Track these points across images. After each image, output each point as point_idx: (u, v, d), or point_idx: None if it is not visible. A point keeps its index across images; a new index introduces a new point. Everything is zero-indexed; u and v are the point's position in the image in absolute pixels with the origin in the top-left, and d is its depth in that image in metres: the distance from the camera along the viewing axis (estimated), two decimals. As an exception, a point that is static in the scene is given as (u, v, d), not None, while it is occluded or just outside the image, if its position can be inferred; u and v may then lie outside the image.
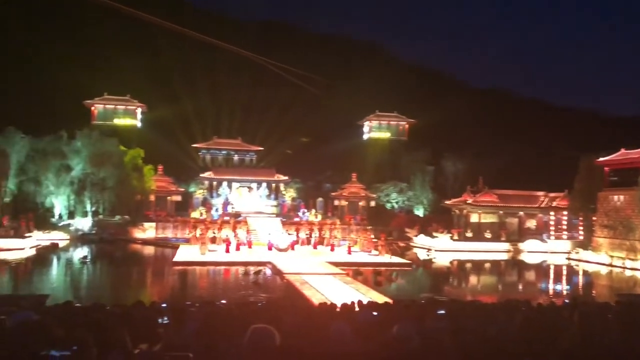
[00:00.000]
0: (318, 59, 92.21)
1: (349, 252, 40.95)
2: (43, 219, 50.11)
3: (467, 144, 71.91)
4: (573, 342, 5.61)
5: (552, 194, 54.12)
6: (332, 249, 42.76)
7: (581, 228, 51.08)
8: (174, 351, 5.28)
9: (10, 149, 49.51)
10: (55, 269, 36.10)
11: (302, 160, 72.32)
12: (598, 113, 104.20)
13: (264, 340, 3.74)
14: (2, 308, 10.17)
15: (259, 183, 64.27)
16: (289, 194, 64.65)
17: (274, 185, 64.53)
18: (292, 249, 42.15)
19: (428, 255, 45.67)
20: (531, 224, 54.65)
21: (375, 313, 10.04)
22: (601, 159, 45.95)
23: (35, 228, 46.43)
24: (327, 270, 31.56)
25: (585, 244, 47.14)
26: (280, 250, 41.22)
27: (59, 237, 48.44)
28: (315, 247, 43.92)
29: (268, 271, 32.74)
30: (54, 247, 44.12)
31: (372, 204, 64.29)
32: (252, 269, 31.85)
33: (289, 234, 44.88)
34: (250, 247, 42.95)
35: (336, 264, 34.07)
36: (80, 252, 41.54)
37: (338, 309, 10.77)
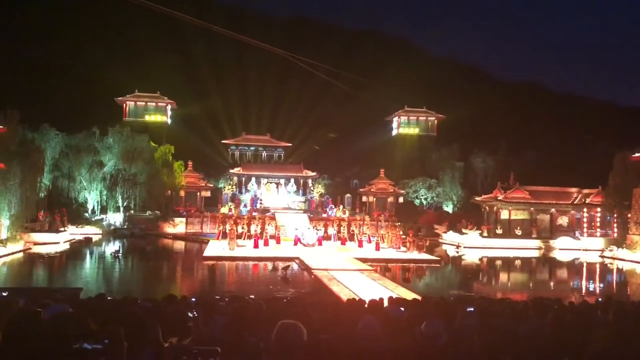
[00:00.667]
0: (347, 54, 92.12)
1: (377, 249, 40.86)
2: (76, 214, 51.24)
3: (498, 139, 70.95)
4: (607, 343, 5.49)
5: (585, 190, 52.98)
6: (360, 245, 42.73)
7: (615, 225, 49.99)
8: (203, 345, 5.34)
9: (45, 145, 50.71)
10: (88, 263, 36.87)
11: (330, 156, 72.40)
12: (634, 108, 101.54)
13: (291, 336, 3.76)
14: (38, 300, 10.44)
15: (287, 179, 64.59)
16: (317, 190, 64.78)
17: (302, 181, 64.78)
18: (320, 244, 42.40)
19: (457, 252, 45.25)
20: (563, 220, 53.61)
21: (403, 309, 10.00)
22: (637, 154, 44.80)
23: (69, 223, 47.46)
24: (355, 266, 31.55)
25: (620, 242, 46.09)
26: (307, 245, 41.49)
27: (92, 232, 49.47)
28: (343, 243, 43.94)
29: (296, 266, 32.87)
30: (87, 242, 45.07)
31: (401, 200, 64.00)
32: (280, 264, 32.03)
33: (316, 230, 45.07)
34: (278, 242, 43.21)
35: (364, 260, 34.05)
36: (113, 247, 42.32)
37: (366, 305, 10.75)
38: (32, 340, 3.92)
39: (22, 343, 3.89)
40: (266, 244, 41.75)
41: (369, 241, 44.31)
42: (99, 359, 3.79)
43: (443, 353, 5.56)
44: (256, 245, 40.34)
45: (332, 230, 47.30)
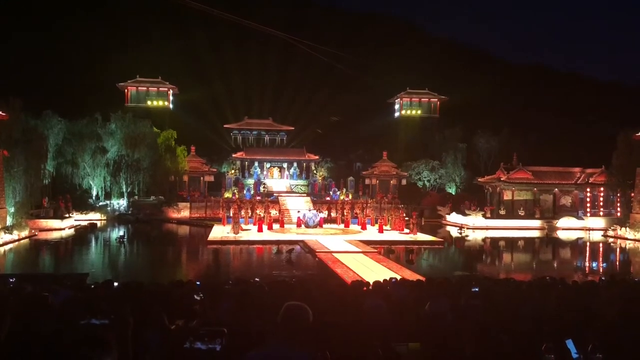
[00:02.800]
0: (349, 37, 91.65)
1: (381, 231, 41.00)
2: (81, 200, 51.33)
3: (501, 120, 70.67)
4: (611, 320, 5.53)
5: (588, 170, 52.91)
6: (363, 228, 42.88)
7: (619, 204, 49.98)
8: (209, 327, 5.39)
9: (48, 132, 50.69)
10: (94, 249, 37.10)
11: (333, 140, 72.36)
12: (638, 88, 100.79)
13: (297, 317, 3.79)
14: (45, 286, 10.53)
15: (290, 163, 64.68)
16: (320, 174, 64.84)
17: (304, 164, 64.84)
18: (321, 225, 43.06)
19: (460, 233, 45.33)
20: (566, 200, 53.63)
21: (407, 290, 10.06)
22: (640, 133, 44.69)
23: (73, 209, 47.59)
24: (359, 248, 31.67)
25: (623, 221, 46.08)
26: (308, 227, 42.15)
27: (97, 218, 49.65)
28: (347, 226, 44.10)
29: (299, 249, 33.01)
30: (92, 227, 45.27)
31: (404, 182, 63.96)
32: (284, 247, 32.17)
33: (317, 212, 45.61)
34: (282, 226, 43.42)
35: (368, 243, 34.17)
36: (117, 232, 42.52)
37: (371, 287, 10.83)
38: (41, 323, 3.98)
39: (32, 325, 3.95)
40: (270, 227, 41.95)
41: (373, 224, 44.53)
42: (106, 334, 3.83)
43: (448, 331, 5.60)
44: (260, 229, 40.51)
45: (335, 214, 47.58)
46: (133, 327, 4.40)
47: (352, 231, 41.45)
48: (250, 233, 39.47)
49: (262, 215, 44.47)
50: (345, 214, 46.36)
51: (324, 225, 43.64)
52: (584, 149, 59.53)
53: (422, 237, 39.12)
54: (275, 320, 3.95)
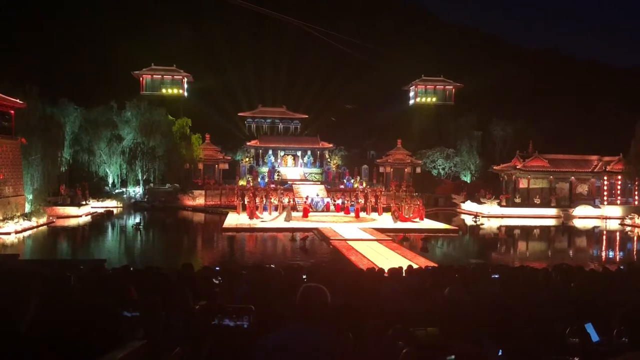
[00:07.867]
0: (363, 24, 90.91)
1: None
2: (97, 188, 51.86)
3: (517, 107, 69.94)
4: (633, 307, 5.48)
5: (606, 158, 52.22)
6: (378, 214, 42.88)
7: (636, 193, 49.38)
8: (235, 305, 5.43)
9: (64, 120, 51.16)
10: (110, 235, 37.49)
11: (347, 128, 72.08)
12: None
13: (316, 297, 3.79)
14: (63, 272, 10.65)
15: (304, 151, 64.68)
16: (334, 162, 64.76)
17: (318, 152, 64.79)
18: (327, 209, 45.66)
19: (475, 221, 45.11)
20: (583, 189, 53.06)
21: (423, 277, 10.05)
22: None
23: (90, 196, 48.09)
24: (373, 236, 31.68)
25: (641, 210, 45.62)
26: (317, 211, 44.41)
27: (113, 205, 50.14)
28: (367, 213, 44.11)
29: (312, 236, 33.08)
30: (108, 215, 45.73)
31: (418, 170, 63.67)
32: (298, 235, 32.27)
33: (331, 200, 47.34)
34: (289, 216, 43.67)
35: (382, 230, 34.18)
36: (133, 219, 42.92)
37: (386, 274, 10.83)
38: (67, 304, 4.02)
39: (56, 306, 3.99)
40: (305, 215, 41.83)
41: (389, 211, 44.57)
42: (137, 328, 3.87)
43: (466, 317, 5.60)
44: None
45: (348, 201, 47.63)
46: (164, 317, 4.44)
47: (366, 219, 41.44)
48: (266, 221, 39.66)
49: (279, 202, 44.85)
50: (359, 202, 46.38)
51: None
52: (600, 136, 58.70)
53: (435, 224, 39.09)
54: (293, 302, 3.96)
